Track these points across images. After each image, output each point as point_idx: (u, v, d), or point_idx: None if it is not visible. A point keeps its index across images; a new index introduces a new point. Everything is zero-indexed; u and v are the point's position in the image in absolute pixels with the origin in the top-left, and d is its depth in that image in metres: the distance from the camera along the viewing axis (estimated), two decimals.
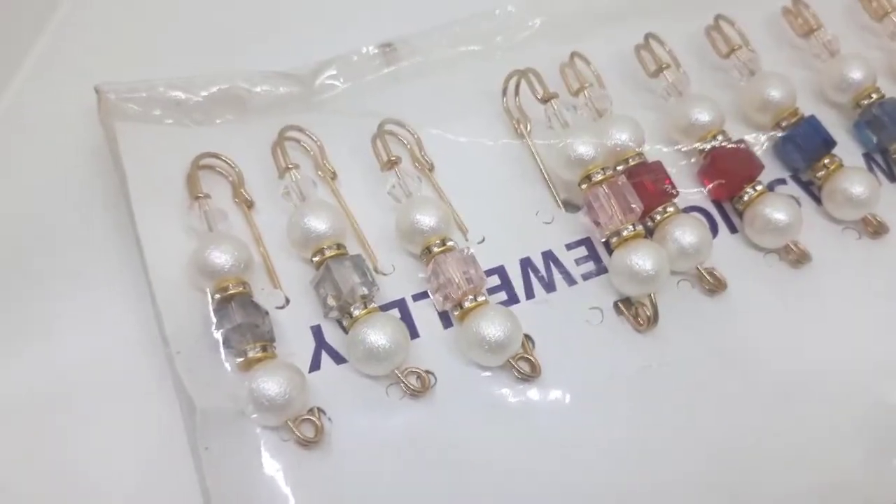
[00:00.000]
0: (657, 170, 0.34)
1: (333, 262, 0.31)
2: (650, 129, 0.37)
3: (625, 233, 0.32)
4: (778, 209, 0.34)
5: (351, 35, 0.39)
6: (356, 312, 0.30)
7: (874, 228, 0.35)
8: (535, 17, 0.39)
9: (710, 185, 0.35)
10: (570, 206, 0.35)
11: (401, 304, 0.32)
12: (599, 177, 0.33)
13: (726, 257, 0.34)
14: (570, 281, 0.33)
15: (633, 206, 0.32)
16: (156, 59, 0.40)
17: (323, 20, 0.40)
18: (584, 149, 0.33)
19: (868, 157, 0.38)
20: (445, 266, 0.31)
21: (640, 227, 0.33)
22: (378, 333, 0.30)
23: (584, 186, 0.33)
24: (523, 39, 0.39)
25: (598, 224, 0.33)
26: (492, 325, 0.30)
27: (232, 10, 0.40)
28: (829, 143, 0.36)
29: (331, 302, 0.31)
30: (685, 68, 0.38)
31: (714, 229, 0.35)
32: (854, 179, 0.35)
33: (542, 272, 0.33)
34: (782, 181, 0.36)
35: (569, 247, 0.34)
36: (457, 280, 0.31)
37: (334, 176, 0.35)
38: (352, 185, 0.35)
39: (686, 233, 0.33)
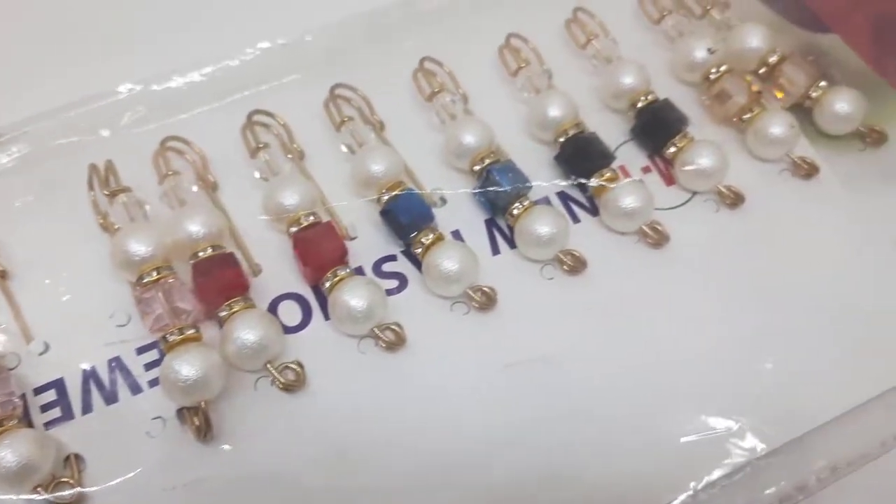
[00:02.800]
0: (227, 262, 0.32)
1: None
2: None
3: (171, 338, 0.30)
4: (355, 295, 0.32)
5: None
6: None
7: (479, 304, 0.33)
8: (140, 104, 0.37)
9: (301, 270, 0.33)
10: None
11: None
12: (152, 277, 0.31)
13: (317, 348, 0.32)
14: (136, 389, 0.31)
15: (184, 308, 0.30)
16: None
17: None
18: (136, 247, 0.31)
19: (491, 222, 0.36)
20: None
21: (191, 331, 0.30)
22: None
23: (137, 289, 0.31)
24: (132, 123, 0.37)
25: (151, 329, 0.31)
26: (10, 454, 0.28)
27: None
28: (425, 217, 0.34)
29: None
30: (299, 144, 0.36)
31: (308, 317, 0.33)
32: (447, 254, 0.33)
33: (106, 381, 0.31)
34: (392, 258, 0.35)
35: (140, 350, 0.32)
36: None
37: None
38: None
39: (244, 330, 0.30)
